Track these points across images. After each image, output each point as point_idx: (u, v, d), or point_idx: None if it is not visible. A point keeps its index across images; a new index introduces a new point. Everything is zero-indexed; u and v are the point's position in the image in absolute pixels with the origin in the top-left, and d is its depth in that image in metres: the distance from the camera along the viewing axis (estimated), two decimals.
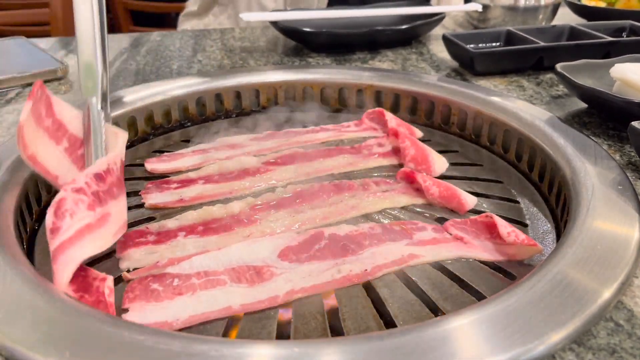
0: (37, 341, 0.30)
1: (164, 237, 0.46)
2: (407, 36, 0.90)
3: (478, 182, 0.56)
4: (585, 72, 0.64)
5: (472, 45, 0.80)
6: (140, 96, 0.66)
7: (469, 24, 1.04)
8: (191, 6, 1.31)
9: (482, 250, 0.44)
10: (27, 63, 0.76)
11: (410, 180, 0.54)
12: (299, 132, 0.66)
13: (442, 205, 0.51)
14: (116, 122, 0.62)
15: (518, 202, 0.53)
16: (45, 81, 0.72)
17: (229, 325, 0.37)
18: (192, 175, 0.56)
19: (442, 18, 0.93)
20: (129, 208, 0.51)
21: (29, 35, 0.94)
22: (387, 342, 0.30)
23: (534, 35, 0.79)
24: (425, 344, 0.30)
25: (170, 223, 0.48)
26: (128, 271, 0.42)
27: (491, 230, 0.45)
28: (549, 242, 0.47)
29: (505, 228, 0.44)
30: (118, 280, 0.42)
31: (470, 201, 0.51)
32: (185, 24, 1.32)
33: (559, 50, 0.75)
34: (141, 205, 0.52)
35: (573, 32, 0.83)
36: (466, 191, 0.52)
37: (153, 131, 0.67)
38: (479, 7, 0.96)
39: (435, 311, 0.38)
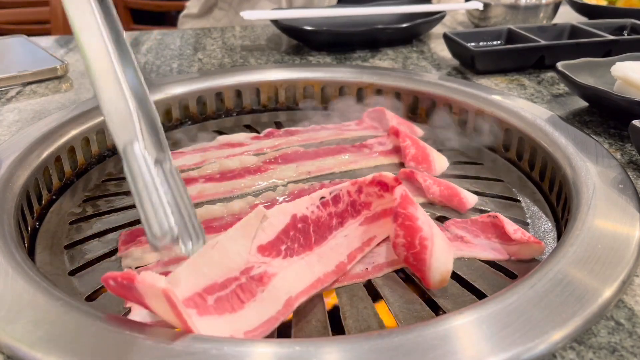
0: (38, 340, 0.30)
1: None
2: (408, 35, 0.90)
3: (479, 181, 0.56)
4: (586, 71, 0.64)
5: (473, 44, 0.80)
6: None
7: (470, 22, 1.04)
8: (192, 8, 1.31)
9: (482, 249, 0.44)
10: (28, 62, 0.76)
11: (410, 179, 0.54)
12: (299, 130, 0.66)
13: (443, 204, 0.51)
14: None
15: (519, 201, 0.53)
16: (46, 80, 0.72)
17: None
18: (192, 174, 0.56)
19: (443, 16, 0.92)
20: (130, 207, 0.52)
21: (29, 33, 0.94)
22: (388, 340, 0.30)
23: (535, 34, 0.79)
24: (426, 343, 0.30)
25: None
26: (130, 269, 0.42)
27: (492, 230, 0.45)
28: (549, 241, 0.47)
29: (511, 226, 0.44)
30: None
31: (471, 200, 0.51)
32: (186, 26, 1.31)
33: (560, 48, 0.75)
34: None
35: (574, 31, 0.83)
36: (467, 190, 0.52)
37: None
38: (479, 6, 0.96)
39: (436, 310, 0.38)
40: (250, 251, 0.38)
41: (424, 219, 0.41)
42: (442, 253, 0.39)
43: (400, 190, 0.42)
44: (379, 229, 0.45)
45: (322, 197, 0.44)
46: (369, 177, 0.45)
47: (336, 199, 0.44)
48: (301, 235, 0.41)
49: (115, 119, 0.36)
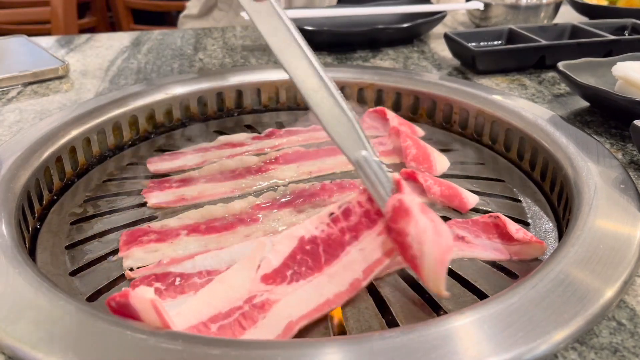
0: (39, 340, 0.30)
1: (166, 235, 0.46)
2: (409, 35, 0.90)
3: (480, 181, 0.56)
4: (587, 71, 0.64)
5: (473, 44, 0.79)
6: (141, 95, 0.65)
7: (471, 22, 1.04)
8: (192, 8, 1.31)
9: (484, 249, 0.44)
10: (28, 62, 0.76)
11: (411, 179, 0.54)
12: (300, 130, 0.66)
13: (444, 204, 0.51)
14: (117, 121, 0.62)
15: (520, 201, 0.53)
16: (47, 80, 0.72)
17: None
18: (193, 174, 0.56)
19: (444, 16, 0.92)
20: (131, 207, 0.52)
21: (30, 33, 0.94)
22: (390, 341, 0.30)
23: (535, 34, 0.79)
24: (428, 343, 0.30)
25: (172, 222, 0.48)
26: (131, 270, 0.42)
27: (494, 230, 0.45)
28: (550, 241, 0.46)
29: (513, 225, 0.44)
30: (121, 279, 0.42)
31: (472, 200, 0.51)
32: (186, 26, 1.32)
33: (561, 48, 0.75)
34: (143, 204, 0.52)
35: (575, 31, 0.83)
36: (468, 190, 0.52)
37: (154, 130, 0.67)
38: (480, 6, 0.96)
39: (437, 310, 0.38)
40: (254, 281, 0.38)
41: (414, 234, 0.36)
42: (430, 273, 0.36)
43: (394, 201, 0.38)
44: None
45: (332, 214, 0.41)
46: None
47: (346, 213, 0.41)
48: (309, 258, 0.39)
49: (342, 134, 0.40)
